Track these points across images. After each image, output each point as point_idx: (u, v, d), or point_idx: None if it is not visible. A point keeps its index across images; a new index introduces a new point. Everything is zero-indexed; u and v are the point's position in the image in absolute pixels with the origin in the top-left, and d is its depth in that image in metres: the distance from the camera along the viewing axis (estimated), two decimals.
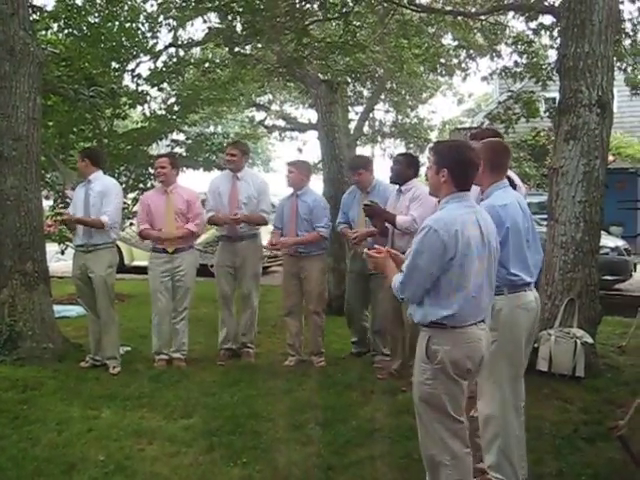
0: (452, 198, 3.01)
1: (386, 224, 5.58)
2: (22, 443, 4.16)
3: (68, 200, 9.61)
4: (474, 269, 2.93)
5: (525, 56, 10.43)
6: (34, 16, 7.99)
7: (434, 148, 3.22)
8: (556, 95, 6.47)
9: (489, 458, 3.55)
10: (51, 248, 8.19)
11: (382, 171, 6.29)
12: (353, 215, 6.17)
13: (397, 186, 5.76)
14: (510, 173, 3.99)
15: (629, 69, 10.29)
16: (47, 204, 9.59)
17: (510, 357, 3.52)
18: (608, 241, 10.51)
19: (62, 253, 9.85)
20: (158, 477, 3.69)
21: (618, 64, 9.38)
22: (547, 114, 10.51)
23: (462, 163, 3.02)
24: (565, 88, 5.84)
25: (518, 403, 3.58)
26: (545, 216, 6.24)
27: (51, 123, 8.74)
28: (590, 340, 5.54)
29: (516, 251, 3.52)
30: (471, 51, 12.23)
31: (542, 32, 9.96)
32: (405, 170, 5.72)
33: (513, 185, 3.81)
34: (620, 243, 11.24)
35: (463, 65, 13.61)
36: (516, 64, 10.55)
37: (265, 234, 6.74)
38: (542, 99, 10.71)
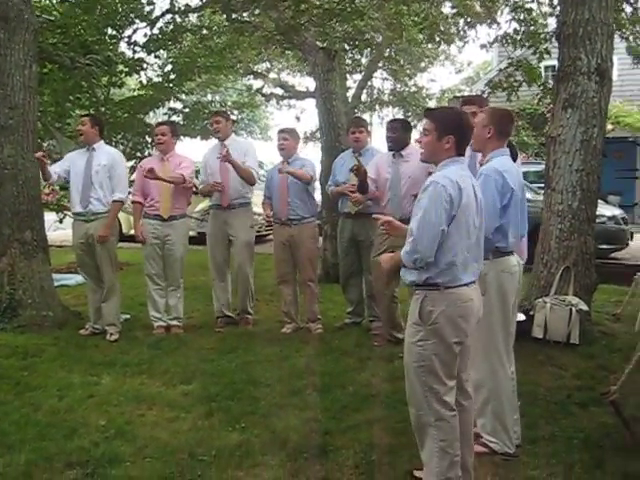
0: (452, 161, 3.06)
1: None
2: (24, 409, 4.22)
3: None
4: (471, 228, 2.99)
5: (523, 24, 10.30)
6: None
7: (434, 115, 3.18)
8: (554, 63, 6.43)
9: (482, 422, 3.63)
10: (49, 217, 8.19)
11: (380, 139, 6.25)
12: (342, 178, 6.16)
13: (390, 151, 5.74)
14: None
15: (631, 38, 10.16)
16: None
17: (500, 321, 3.57)
18: (605, 210, 10.52)
19: (60, 222, 9.87)
20: (158, 442, 3.74)
21: (619, 32, 9.28)
22: (541, 86, 10.39)
23: (467, 130, 3.12)
24: (564, 55, 5.80)
25: (509, 368, 3.64)
26: (543, 185, 6.24)
27: (47, 91, 8.69)
28: (585, 308, 5.59)
29: (516, 217, 3.57)
30: (469, 19, 12.08)
31: None
32: (403, 136, 5.71)
33: (515, 155, 3.84)
34: (617, 212, 11.25)
35: (461, 33, 13.45)
36: (516, 31, 10.43)
37: (258, 200, 6.77)
38: (542, 67, 10.57)
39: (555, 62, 6.24)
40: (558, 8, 7.12)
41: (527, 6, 10.22)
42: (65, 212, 9.44)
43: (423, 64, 19.94)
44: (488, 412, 3.60)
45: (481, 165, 3.74)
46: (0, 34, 6.07)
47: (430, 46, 16.72)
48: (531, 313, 5.56)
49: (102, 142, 6.14)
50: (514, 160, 3.76)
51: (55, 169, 6.04)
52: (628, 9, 9.50)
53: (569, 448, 3.66)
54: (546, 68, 10.84)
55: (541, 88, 10.35)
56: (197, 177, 6.60)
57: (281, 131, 6.32)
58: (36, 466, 3.44)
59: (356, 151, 6.18)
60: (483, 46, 11.58)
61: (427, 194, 2.94)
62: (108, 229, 5.90)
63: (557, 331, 5.48)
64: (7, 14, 6.06)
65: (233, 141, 6.45)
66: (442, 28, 12.60)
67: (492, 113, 3.68)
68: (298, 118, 21.38)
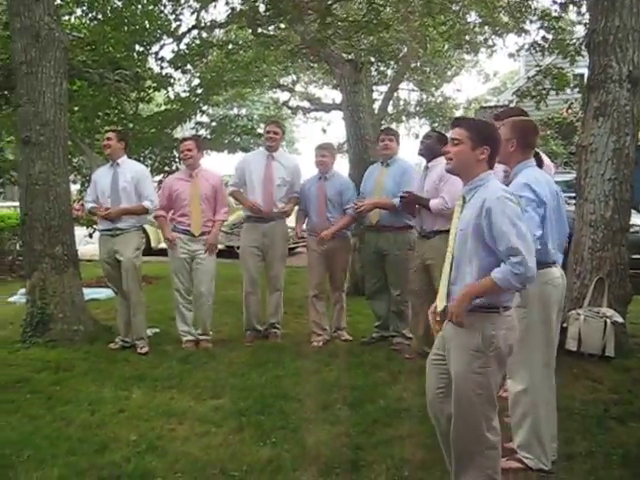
0: (489, 175, 2.93)
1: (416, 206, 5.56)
2: (56, 423, 4.24)
3: None
4: None
5: (552, 32, 10.21)
6: (58, 1, 8.02)
7: (469, 123, 3.01)
8: (584, 71, 6.35)
9: (519, 437, 3.56)
10: (79, 232, 8.27)
11: (407, 151, 6.21)
12: (368, 187, 6.11)
13: (424, 162, 5.72)
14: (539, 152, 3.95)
15: None
16: (74, 188, 9.71)
17: (541, 334, 3.51)
18: (638, 219, 10.32)
19: (90, 236, 9.99)
20: (189, 457, 3.73)
21: None
22: (577, 89, 10.25)
23: (500, 143, 3.04)
24: (594, 64, 5.72)
25: (550, 382, 3.57)
26: (572, 195, 6.15)
27: (77, 108, 8.81)
28: (620, 319, 5.47)
29: (552, 228, 3.52)
30: (497, 28, 12.00)
31: (569, 7, 9.76)
32: (434, 145, 5.61)
33: (540, 163, 3.77)
34: None
35: (489, 42, 13.39)
36: (544, 39, 10.33)
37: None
38: (571, 74, 10.43)
39: (584, 70, 6.16)
40: (587, 16, 7.05)
41: (555, 14, 10.10)
42: (95, 227, 9.54)
43: (449, 73, 19.88)
44: (525, 426, 3.53)
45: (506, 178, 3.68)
46: (31, 52, 6.16)
47: (456, 55, 16.68)
48: (564, 325, 5.45)
49: (126, 157, 6.20)
50: (539, 167, 3.69)
51: (91, 199, 6.13)
52: None
53: (607, 464, 3.56)
54: (575, 77, 10.68)
55: (577, 90, 10.20)
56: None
57: (321, 147, 6.35)
58: None
59: (384, 161, 6.11)
60: (511, 55, 11.51)
61: (506, 211, 2.73)
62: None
63: (592, 344, 5.37)
64: (38, 33, 6.15)
65: (281, 155, 6.50)
66: (468, 37, 12.56)
67: (514, 125, 3.57)
68: (325, 130, 21.49)
